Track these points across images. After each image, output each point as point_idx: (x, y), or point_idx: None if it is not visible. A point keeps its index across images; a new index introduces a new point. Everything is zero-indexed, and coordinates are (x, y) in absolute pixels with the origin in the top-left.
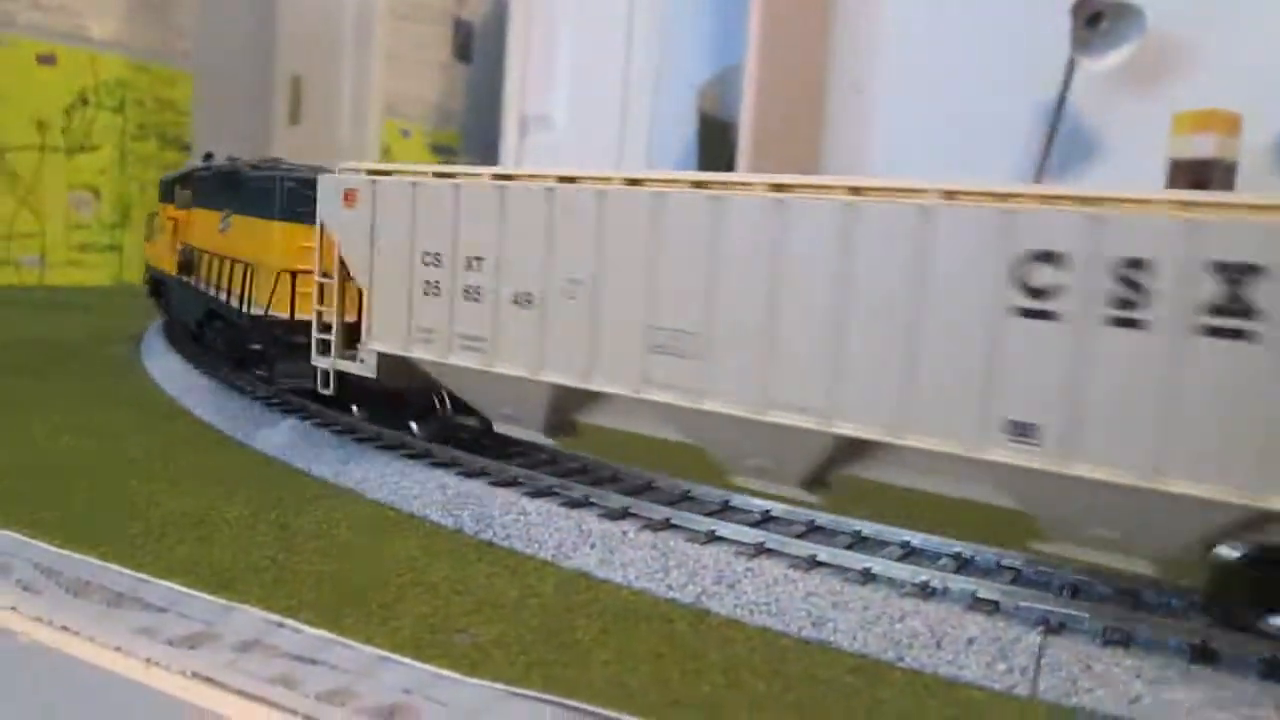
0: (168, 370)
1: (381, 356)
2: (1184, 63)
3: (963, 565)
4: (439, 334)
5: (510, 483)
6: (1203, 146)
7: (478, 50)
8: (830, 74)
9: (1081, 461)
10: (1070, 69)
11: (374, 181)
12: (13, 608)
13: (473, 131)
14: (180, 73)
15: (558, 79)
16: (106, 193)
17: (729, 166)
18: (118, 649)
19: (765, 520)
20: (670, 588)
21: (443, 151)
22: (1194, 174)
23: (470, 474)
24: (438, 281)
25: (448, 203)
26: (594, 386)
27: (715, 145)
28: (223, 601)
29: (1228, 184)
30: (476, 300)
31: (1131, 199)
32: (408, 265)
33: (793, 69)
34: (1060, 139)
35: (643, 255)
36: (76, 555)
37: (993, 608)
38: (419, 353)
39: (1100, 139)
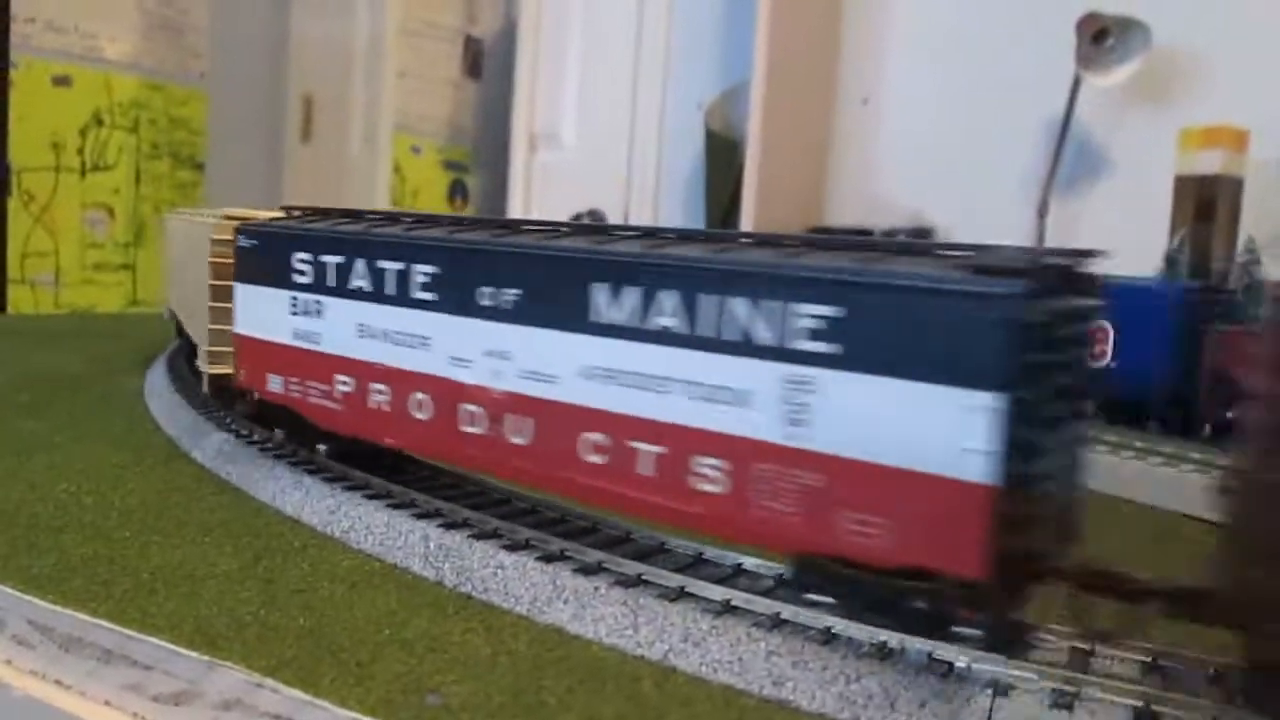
0: (167, 407)
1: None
2: (1191, 78)
3: None
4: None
5: (490, 535)
6: (1209, 162)
7: (489, 67)
8: (838, 88)
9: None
10: (1076, 85)
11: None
12: (8, 661)
13: (484, 147)
14: (194, 92)
15: (565, 96)
16: (120, 212)
17: (736, 183)
18: (106, 703)
19: (735, 574)
20: (639, 644)
21: (454, 167)
22: (1200, 190)
23: (452, 525)
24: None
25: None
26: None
27: (722, 162)
28: (206, 659)
29: (1235, 199)
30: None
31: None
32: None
33: (800, 85)
34: (1067, 155)
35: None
36: (68, 611)
37: (947, 669)
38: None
39: (1107, 155)
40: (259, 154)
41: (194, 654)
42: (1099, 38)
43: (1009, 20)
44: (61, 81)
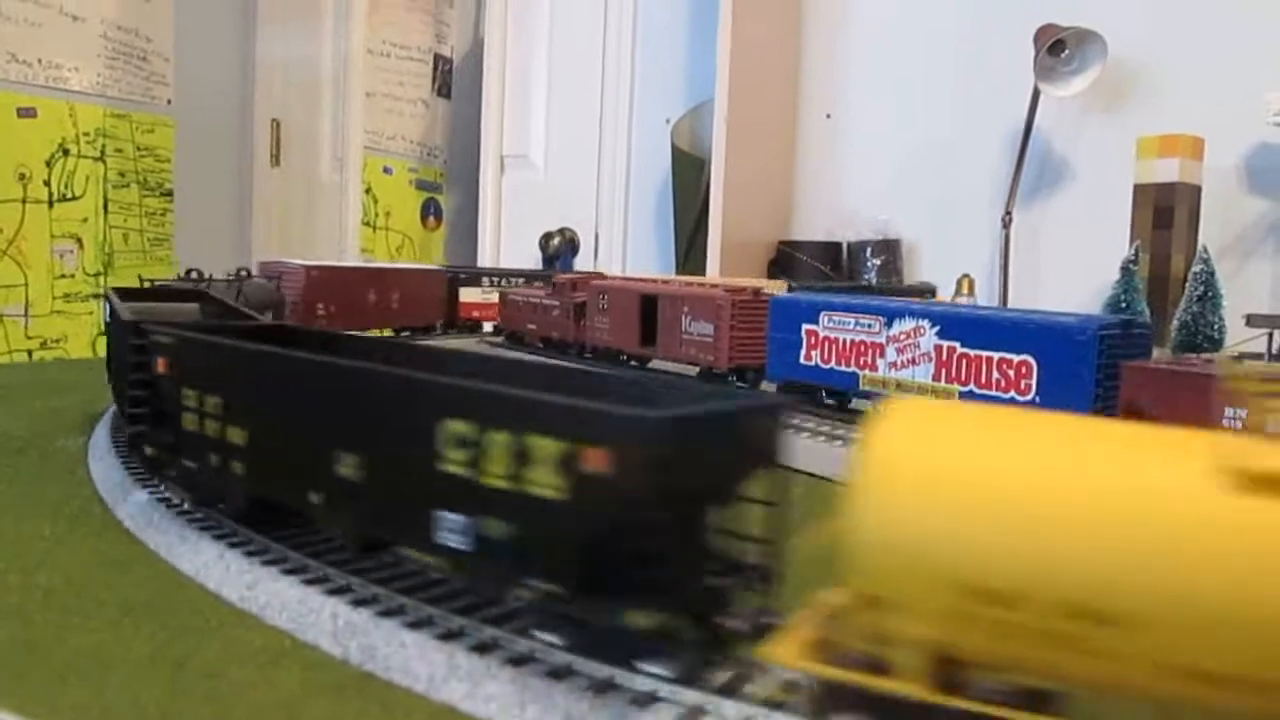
0: (107, 473)
1: None
2: (1148, 87)
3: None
4: None
5: (395, 612)
6: (1166, 170)
7: (459, 86)
8: (800, 103)
9: None
10: (1035, 96)
11: None
12: None
13: (457, 166)
14: (160, 119)
15: (533, 116)
16: (89, 242)
17: (704, 201)
18: None
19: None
20: None
21: (427, 187)
22: (1158, 198)
23: (361, 601)
24: None
25: None
26: None
27: (690, 179)
28: None
29: (1193, 206)
30: None
31: None
32: None
33: (763, 101)
34: (1030, 164)
35: None
36: None
37: None
38: None
39: (1068, 164)
40: (228, 180)
41: None
42: (1056, 49)
43: (968, 33)
44: (26, 113)
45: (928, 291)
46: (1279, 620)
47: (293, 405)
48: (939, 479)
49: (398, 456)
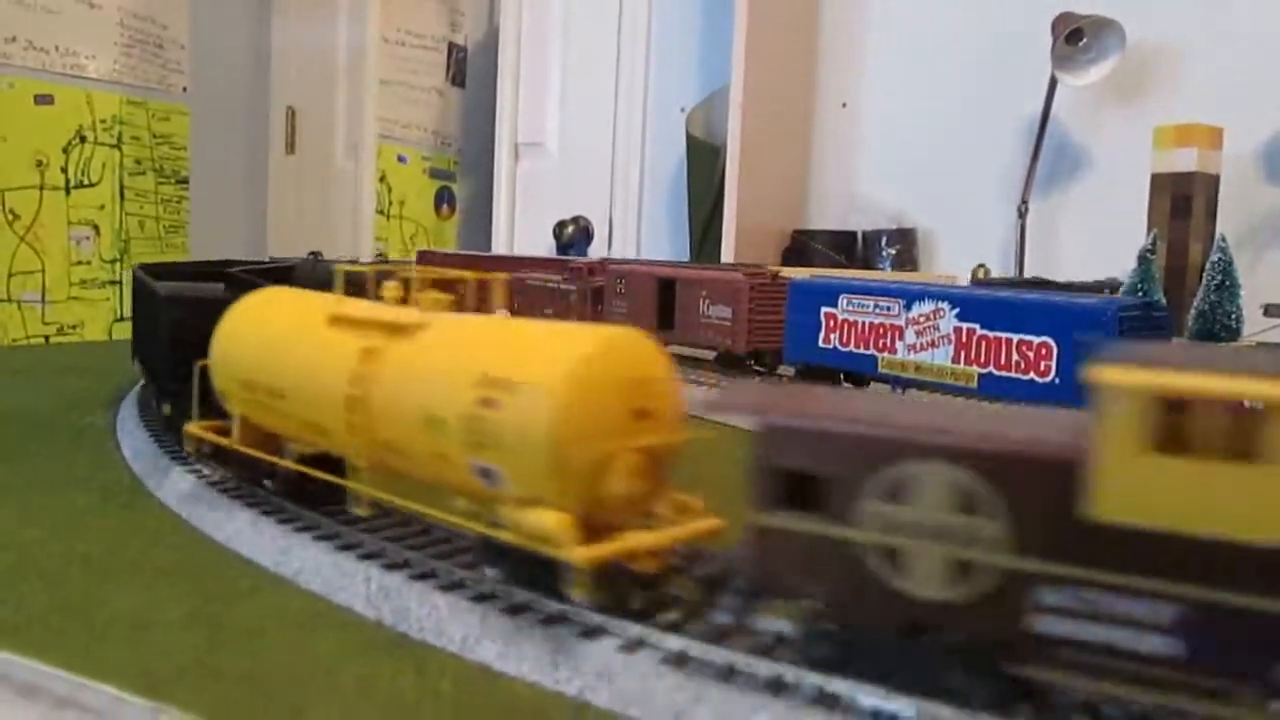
0: (136, 446)
1: None
2: (1166, 76)
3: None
4: None
5: (428, 575)
6: (1184, 160)
7: (474, 74)
8: (816, 91)
9: None
10: (1052, 85)
11: None
12: None
13: (470, 155)
14: (176, 107)
15: (548, 105)
16: (105, 229)
17: (719, 188)
18: None
19: (654, 612)
20: (558, 681)
21: (441, 175)
22: (1175, 187)
23: (393, 566)
24: None
25: None
26: None
27: (704, 168)
28: (151, 705)
29: (1210, 196)
30: None
31: None
32: None
33: (778, 89)
34: (1046, 153)
35: None
36: (25, 661)
37: (834, 702)
38: None
39: (1085, 153)
40: (243, 167)
41: (139, 700)
42: (1074, 38)
43: (986, 21)
44: (44, 100)
45: (1110, 288)
46: (335, 393)
47: (149, 315)
48: (237, 328)
49: (162, 338)
